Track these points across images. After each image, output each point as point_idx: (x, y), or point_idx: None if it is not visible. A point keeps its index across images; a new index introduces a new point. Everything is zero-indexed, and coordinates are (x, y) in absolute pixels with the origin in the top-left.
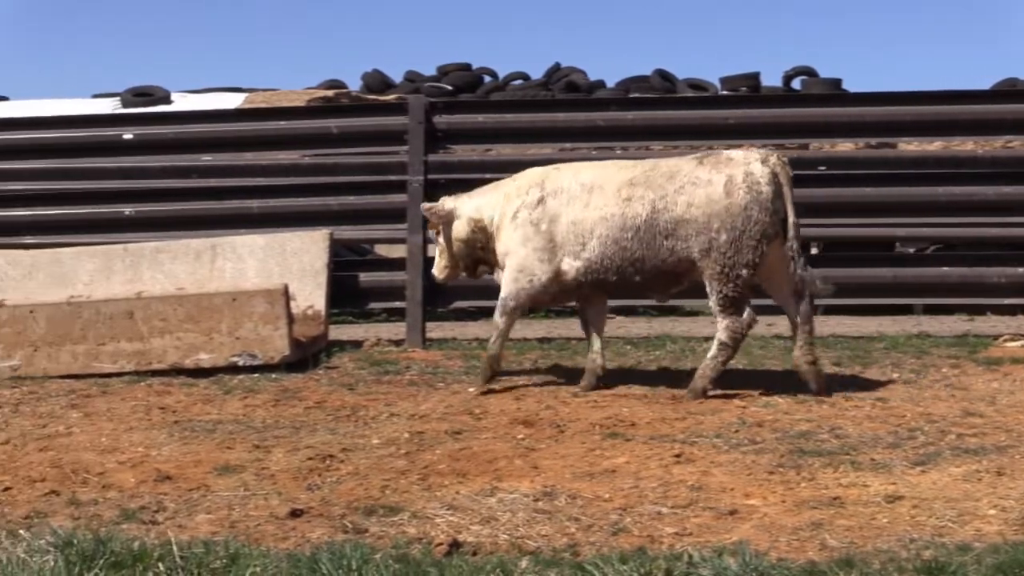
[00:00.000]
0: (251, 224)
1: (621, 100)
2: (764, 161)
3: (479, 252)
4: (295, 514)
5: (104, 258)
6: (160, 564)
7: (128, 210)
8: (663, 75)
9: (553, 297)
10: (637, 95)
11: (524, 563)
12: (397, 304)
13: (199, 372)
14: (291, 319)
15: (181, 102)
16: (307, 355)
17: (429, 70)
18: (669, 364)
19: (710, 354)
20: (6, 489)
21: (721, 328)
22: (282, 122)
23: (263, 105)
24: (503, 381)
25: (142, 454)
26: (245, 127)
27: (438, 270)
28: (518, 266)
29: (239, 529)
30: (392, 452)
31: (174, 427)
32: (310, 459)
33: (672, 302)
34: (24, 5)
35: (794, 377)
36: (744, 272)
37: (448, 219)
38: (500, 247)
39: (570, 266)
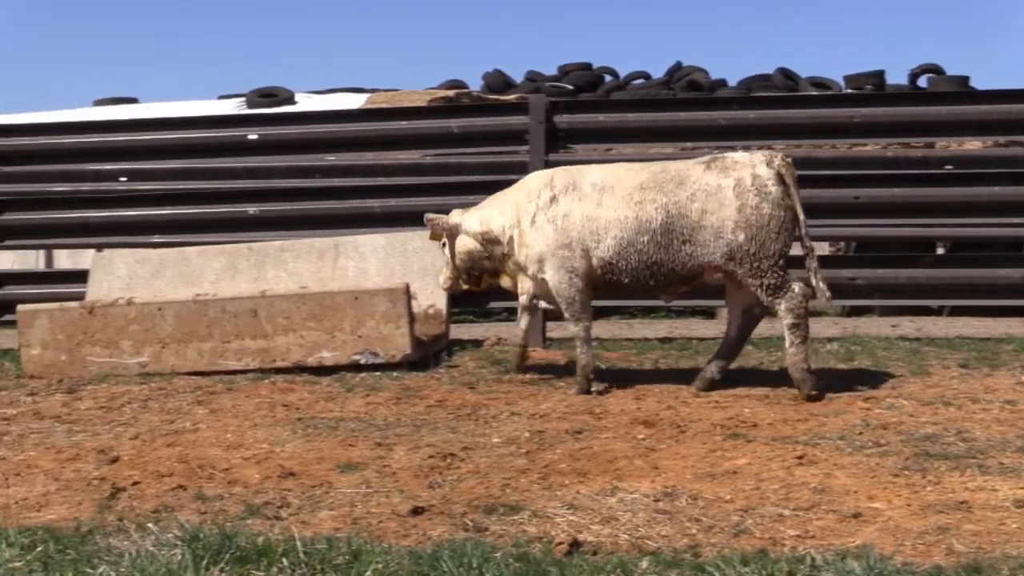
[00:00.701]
0: (373, 223)
1: (743, 99)
2: (769, 163)
3: (485, 263)
4: (416, 512)
5: (230, 257)
6: (284, 559)
7: (252, 209)
8: (786, 73)
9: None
10: (759, 94)
11: (645, 563)
12: (518, 303)
13: (322, 370)
14: (412, 318)
15: (305, 102)
16: (428, 354)
17: (550, 70)
18: None
19: (788, 342)
20: (135, 483)
21: (783, 312)
22: (404, 122)
23: (385, 105)
24: (623, 381)
25: (266, 451)
26: (367, 127)
27: (443, 280)
28: (559, 269)
29: (361, 526)
30: (512, 451)
31: (298, 424)
32: (431, 457)
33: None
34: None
35: (920, 378)
36: (777, 260)
37: (453, 233)
38: (527, 254)
39: (589, 264)
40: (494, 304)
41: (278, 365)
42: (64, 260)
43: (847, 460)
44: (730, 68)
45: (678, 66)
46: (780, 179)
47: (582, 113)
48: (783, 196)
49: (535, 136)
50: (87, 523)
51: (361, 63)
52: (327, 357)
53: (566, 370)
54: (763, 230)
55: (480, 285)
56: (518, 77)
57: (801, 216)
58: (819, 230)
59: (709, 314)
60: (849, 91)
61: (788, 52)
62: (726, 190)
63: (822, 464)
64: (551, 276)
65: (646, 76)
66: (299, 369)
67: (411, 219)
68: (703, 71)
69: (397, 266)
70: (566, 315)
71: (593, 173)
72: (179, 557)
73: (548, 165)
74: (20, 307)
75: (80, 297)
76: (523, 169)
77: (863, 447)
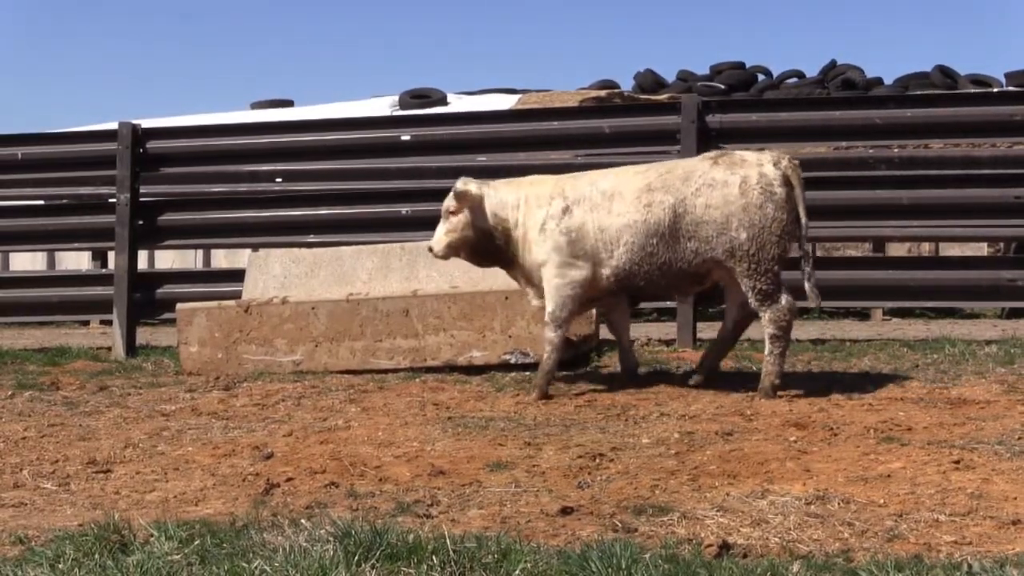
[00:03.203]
0: None
1: (899, 97)
2: (776, 163)
3: (492, 245)
4: (565, 511)
5: (382, 256)
6: (434, 557)
7: (405, 209)
8: (944, 71)
9: (590, 303)
10: (916, 92)
11: (796, 567)
12: (667, 304)
13: (472, 369)
14: None
15: (457, 103)
16: (578, 353)
17: (702, 69)
18: (948, 367)
19: (767, 351)
20: (289, 480)
21: (767, 321)
22: (555, 122)
23: (536, 106)
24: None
25: (417, 449)
26: (519, 127)
27: (440, 247)
28: (559, 276)
29: (510, 525)
30: (662, 452)
31: (448, 423)
32: (580, 457)
33: (951, 304)
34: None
35: None
36: (773, 266)
37: (476, 204)
38: (530, 259)
39: (601, 273)
40: (643, 304)
41: (428, 364)
42: (221, 259)
43: (1005, 465)
44: (886, 66)
45: (832, 64)
46: (786, 180)
47: (734, 113)
48: (787, 198)
49: (687, 136)
50: (242, 518)
51: (514, 64)
52: (477, 356)
53: (719, 371)
54: (764, 231)
55: (480, 263)
56: (670, 77)
57: (804, 219)
58: (976, 231)
59: (863, 315)
60: (1010, 88)
61: (947, 49)
62: (732, 186)
63: (979, 469)
64: (551, 281)
65: (800, 75)
66: (449, 368)
67: None
68: (858, 69)
69: None
70: (548, 319)
71: (603, 180)
72: (331, 553)
73: None
74: (179, 305)
75: (237, 296)
76: None
77: (1023, 452)
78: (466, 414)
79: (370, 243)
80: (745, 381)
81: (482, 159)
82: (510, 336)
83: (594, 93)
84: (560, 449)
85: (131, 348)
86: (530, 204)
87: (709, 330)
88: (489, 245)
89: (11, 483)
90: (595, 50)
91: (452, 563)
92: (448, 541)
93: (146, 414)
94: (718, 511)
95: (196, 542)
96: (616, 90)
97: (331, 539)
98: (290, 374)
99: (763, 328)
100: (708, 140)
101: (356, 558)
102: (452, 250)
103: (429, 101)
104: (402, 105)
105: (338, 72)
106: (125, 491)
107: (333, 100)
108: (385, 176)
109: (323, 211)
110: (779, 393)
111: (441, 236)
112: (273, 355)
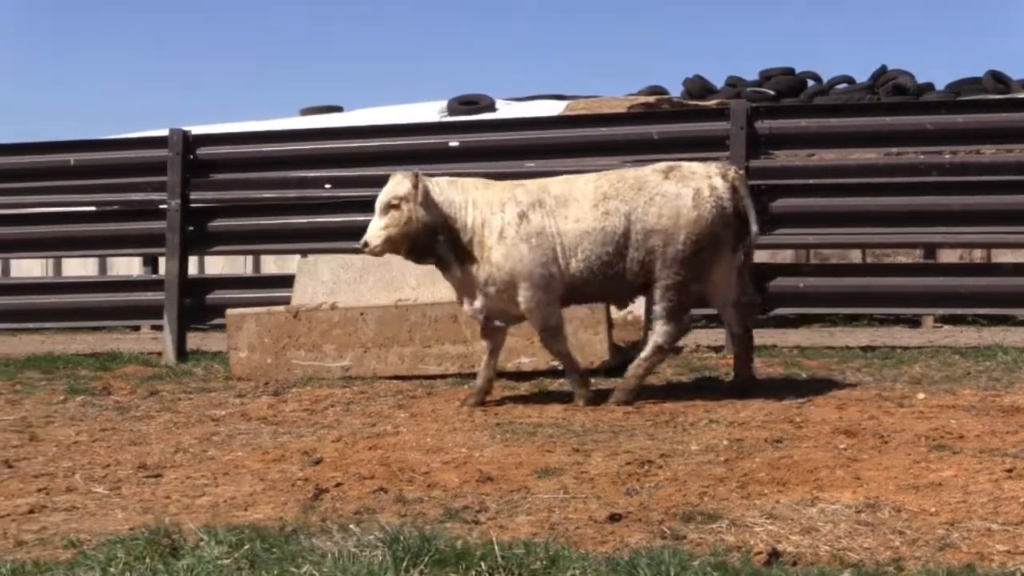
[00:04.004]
0: None
1: (951, 103)
2: (724, 176)
3: (435, 242)
4: (614, 518)
5: None
6: (482, 563)
7: None
8: (996, 76)
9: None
10: (968, 97)
11: (846, 575)
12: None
13: (520, 375)
14: (611, 324)
15: (505, 109)
16: (626, 360)
17: (751, 75)
18: (1000, 375)
19: (643, 355)
20: (337, 485)
21: (661, 332)
22: (603, 128)
23: (584, 112)
24: (824, 390)
25: (465, 455)
26: (567, 133)
27: (378, 240)
28: (535, 288)
29: (558, 531)
30: (711, 459)
31: (496, 429)
32: (628, 464)
33: (1004, 311)
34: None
35: None
36: (698, 285)
37: (424, 199)
38: (487, 268)
39: (560, 278)
40: (693, 312)
41: (477, 370)
42: (271, 265)
43: None
44: (937, 72)
45: (883, 70)
46: (734, 192)
47: (784, 118)
48: (734, 211)
49: (736, 142)
50: (292, 523)
51: (562, 70)
52: (525, 363)
53: (766, 378)
54: (705, 249)
55: (419, 261)
56: (719, 83)
57: (754, 228)
58: None
59: (914, 323)
60: None
61: (999, 54)
62: (685, 199)
63: None
64: (524, 295)
65: (850, 80)
66: (498, 374)
67: None
68: (908, 74)
69: None
70: (540, 335)
71: (554, 186)
72: (380, 558)
73: (748, 171)
74: (229, 311)
75: (286, 301)
76: None
77: None
78: (514, 420)
79: None
80: (794, 388)
81: (530, 165)
82: None
83: (643, 99)
84: (608, 455)
85: (181, 353)
86: (480, 209)
87: (758, 337)
88: (432, 242)
89: (64, 487)
90: (644, 56)
91: (500, 569)
92: (496, 547)
93: (196, 419)
94: (767, 519)
95: (246, 547)
96: (665, 96)
97: (380, 544)
98: (339, 379)
99: (652, 335)
100: (757, 146)
101: (404, 564)
102: (391, 245)
103: (477, 107)
104: (450, 111)
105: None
106: (176, 495)
107: (382, 105)
108: None
109: (372, 217)
110: (817, 398)
111: (379, 231)
112: (322, 360)
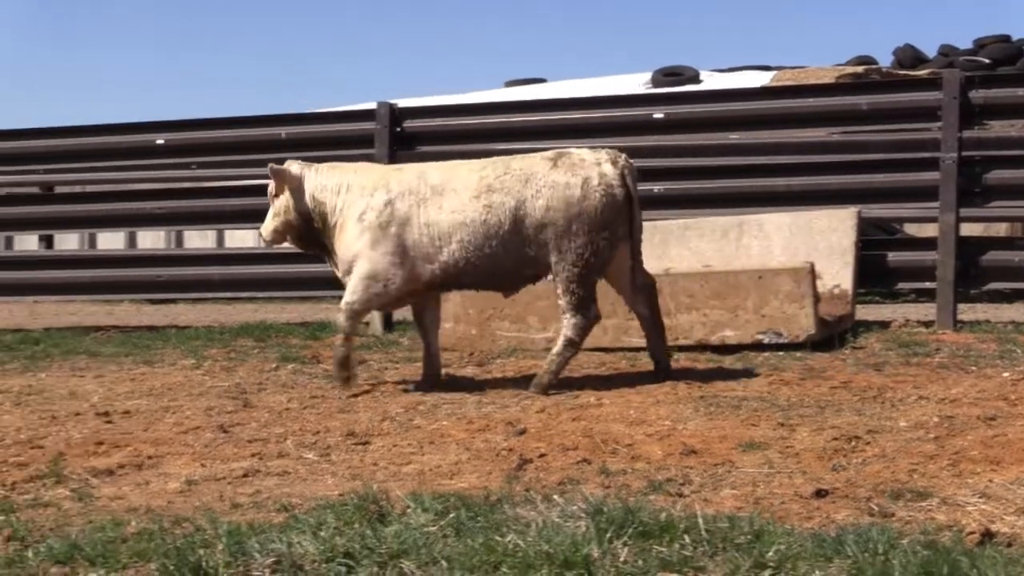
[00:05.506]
0: (777, 202)
1: None
2: (614, 163)
3: (314, 230)
4: (820, 494)
5: None
6: (686, 536)
7: (657, 188)
8: None
9: (401, 300)
10: None
11: None
12: (927, 284)
13: (724, 348)
14: (817, 298)
15: (710, 81)
16: (832, 334)
17: (965, 43)
18: None
19: (555, 350)
20: (541, 456)
21: (569, 326)
22: (810, 99)
23: (790, 83)
24: None
25: (669, 427)
26: (772, 105)
27: (267, 232)
28: (370, 272)
29: (763, 506)
30: (920, 436)
31: (700, 402)
32: (835, 439)
33: None
34: None
35: None
36: (597, 275)
37: (295, 185)
38: (343, 248)
39: (425, 269)
40: (901, 285)
41: (680, 343)
42: None
43: None
44: None
45: None
46: (623, 179)
47: (999, 87)
48: (624, 198)
49: (948, 112)
50: (496, 492)
51: (768, 40)
52: (730, 336)
53: (979, 355)
54: (599, 237)
55: (307, 248)
56: (931, 52)
57: (638, 218)
58: None
59: None
60: None
61: None
62: (574, 188)
63: None
64: (360, 268)
65: None
66: (701, 347)
67: (817, 198)
68: None
69: (801, 245)
70: (347, 309)
71: (433, 174)
72: (583, 529)
73: (961, 142)
74: None
75: None
76: (935, 147)
77: None
78: (718, 393)
79: None
80: (1009, 364)
81: (734, 137)
82: (763, 316)
83: (850, 69)
84: (814, 431)
85: (388, 323)
86: (352, 191)
87: (970, 312)
88: (311, 229)
89: (275, 452)
90: (852, 25)
91: (704, 543)
92: (700, 520)
93: (402, 388)
94: (980, 498)
95: (451, 515)
96: (874, 66)
97: (583, 515)
98: (542, 351)
99: (562, 329)
100: (971, 116)
101: (608, 535)
102: (278, 235)
103: (682, 79)
104: (655, 83)
105: (591, 50)
106: (383, 463)
107: (585, 77)
108: (637, 154)
109: None
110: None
111: (268, 222)
112: (526, 332)
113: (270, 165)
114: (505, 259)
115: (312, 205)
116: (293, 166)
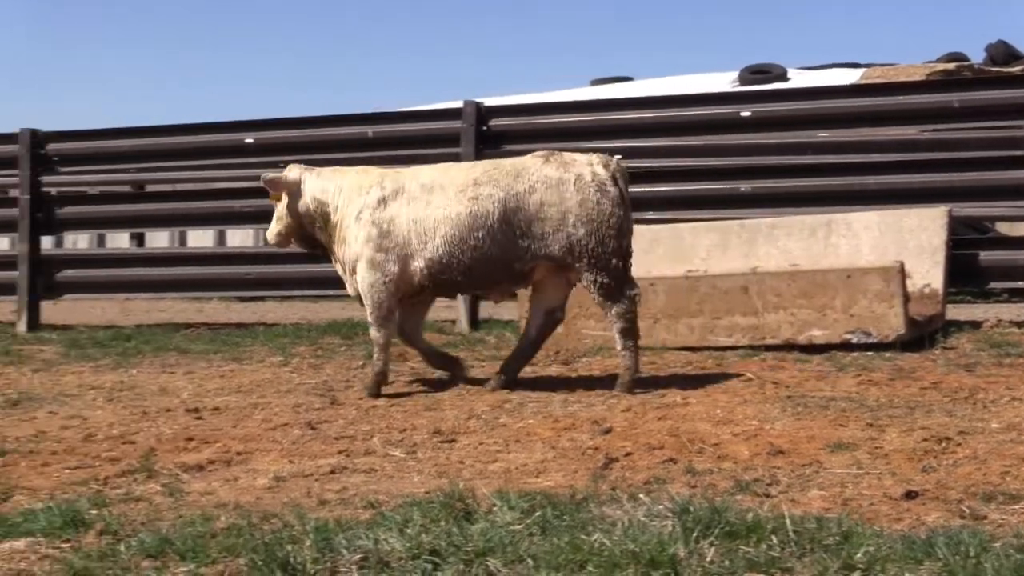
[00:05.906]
0: (866, 201)
1: None
2: (606, 165)
3: (317, 231)
4: (909, 495)
5: (721, 233)
6: (773, 537)
7: (744, 186)
8: None
9: (410, 296)
10: None
11: None
12: (1019, 284)
13: (811, 348)
14: (906, 297)
15: (797, 79)
16: (922, 334)
17: None
18: None
19: (620, 348)
20: (627, 454)
21: (614, 317)
22: (900, 97)
23: (880, 80)
24: None
25: (756, 427)
26: (861, 103)
27: (272, 235)
28: (371, 274)
29: (851, 507)
30: (1013, 438)
31: (787, 402)
32: (925, 440)
33: None
34: None
35: None
36: (614, 261)
37: (293, 189)
38: (344, 247)
39: (413, 266)
40: (994, 284)
41: (767, 342)
42: None
43: None
44: None
45: None
46: (615, 181)
47: None
48: (618, 198)
49: None
50: (582, 491)
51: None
52: (817, 335)
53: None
54: (603, 226)
55: (312, 249)
56: None
57: (628, 222)
58: None
59: None
60: None
61: None
62: (568, 183)
63: None
64: (362, 275)
65: None
66: (789, 347)
67: (907, 197)
68: None
69: (891, 244)
70: (369, 319)
71: (425, 174)
72: (670, 528)
73: None
74: None
75: None
76: None
77: None
78: (806, 393)
79: (709, 220)
80: None
81: (823, 135)
82: (851, 315)
83: (941, 66)
84: (904, 432)
85: (474, 322)
86: (351, 192)
87: None
88: (314, 231)
89: (362, 450)
90: (943, 22)
91: (792, 543)
92: (788, 521)
93: (488, 387)
94: None
95: (537, 513)
96: (965, 63)
97: (670, 515)
98: None
99: (612, 325)
100: None
101: (695, 534)
102: (283, 238)
103: (769, 77)
104: (742, 81)
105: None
106: (469, 461)
107: (672, 75)
108: (724, 153)
109: (661, 188)
110: None
111: (272, 225)
112: (611, 331)
113: (262, 176)
114: (493, 251)
115: (314, 207)
116: (292, 170)
